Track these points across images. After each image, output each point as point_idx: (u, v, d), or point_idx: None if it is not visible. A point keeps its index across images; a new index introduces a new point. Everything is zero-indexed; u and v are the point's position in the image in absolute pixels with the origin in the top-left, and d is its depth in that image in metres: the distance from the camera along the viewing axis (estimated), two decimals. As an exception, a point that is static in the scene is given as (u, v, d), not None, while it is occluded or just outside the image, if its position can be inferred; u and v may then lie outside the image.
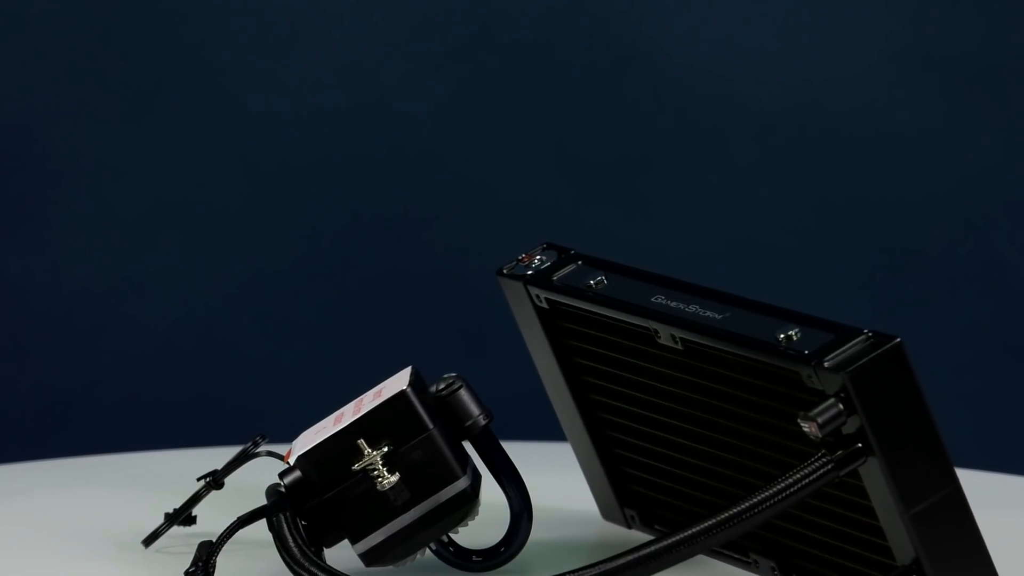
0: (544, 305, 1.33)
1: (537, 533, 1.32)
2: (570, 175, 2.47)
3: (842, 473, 1.16)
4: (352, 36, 2.48)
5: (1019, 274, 2.48)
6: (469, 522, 1.32)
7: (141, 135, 2.47)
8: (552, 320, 1.35)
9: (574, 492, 1.48)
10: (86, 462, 1.83)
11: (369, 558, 1.29)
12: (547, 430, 1.49)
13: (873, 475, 1.16)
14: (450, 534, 1.34)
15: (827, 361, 1.12)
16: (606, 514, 1.45)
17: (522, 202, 2.47)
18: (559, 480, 1.54)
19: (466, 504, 1.30)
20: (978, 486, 1.46)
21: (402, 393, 1.27)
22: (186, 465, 1.59)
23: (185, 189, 2.48)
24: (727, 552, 1.34)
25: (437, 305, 2.48)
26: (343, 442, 1.28)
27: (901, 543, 1.17)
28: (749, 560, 1.31)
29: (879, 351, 1.13)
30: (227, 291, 2.49)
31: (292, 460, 1.30)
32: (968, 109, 2.46)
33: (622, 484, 1.42)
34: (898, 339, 1.13)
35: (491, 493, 1.35)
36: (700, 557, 1.30)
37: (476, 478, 1.31)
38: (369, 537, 1.28)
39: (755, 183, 2.47)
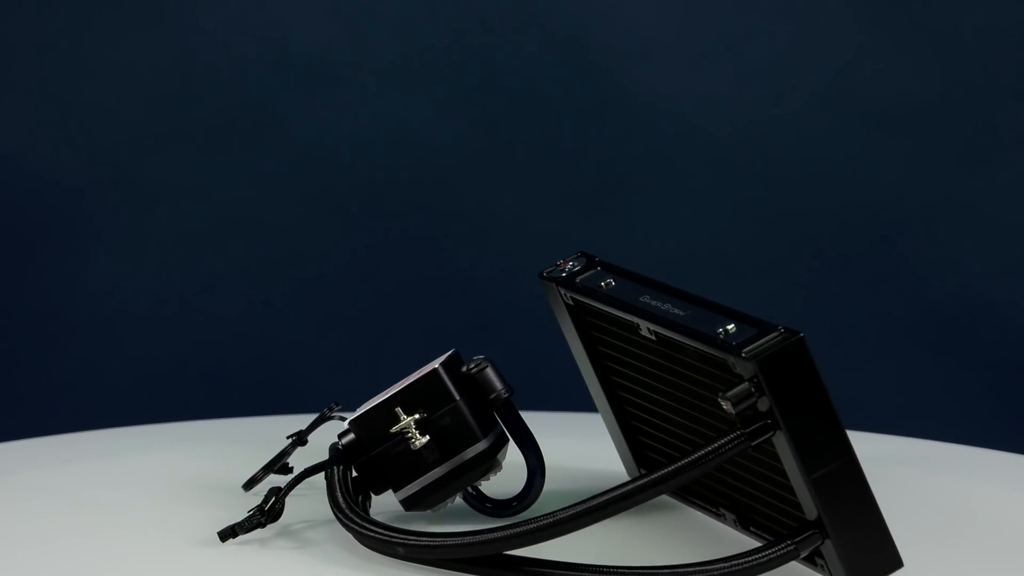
0: (570, 302, 1.34)
1: (555, 486, 1.37)
2: (561, 197, 2.45)
3: (753, 444, 1.18)
4: (384, 85, 2.46)
5: (923, 275, 2.45)
6: (492, 476, 1.35)
7: (214, 164, 2.47)
8: (577, 314, 1.35)
9: (590, 454, 1.52)
10: (181, 427, 1.82)
11: (408, 504, 1.33)
12: (543, 403, 1.51)
13: (781, 446, 1.17)
14: (478, 485, 1.37)
15: (744, 352, 1.14)
16: (630, 474, 1.47)
17: (520, 219, 2.46)
18: (578, 444, 1.58)
19: (486, 462, 1.32)
20: (888, 447, 1.69)
21: (434, 371, 1.31)
22: (257, 429, 1.77)
23: (249, 207, 2.48)
24: (704, 505, 1.35)
25: (452, 302, 2.48)
26: (385, 410, 1.31)
27: (807, 503, 1.18)
28: (720, 513, 1.33)
29: (785, 344, 1.15)
30: (283, 291, 2.49)
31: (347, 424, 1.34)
32: (882, 142, 2.44)
33: (638, 449, 1.43)
34: (801, 334, 1.15)
35: (517, 454, 1.39)
36: (687, 510, 1.40)
37: (498, 441, 1.34)
38: (408, 487, 1.32)
39: (710, 203, 2.46)
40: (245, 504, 1.35)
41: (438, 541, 1.23)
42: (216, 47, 2.47)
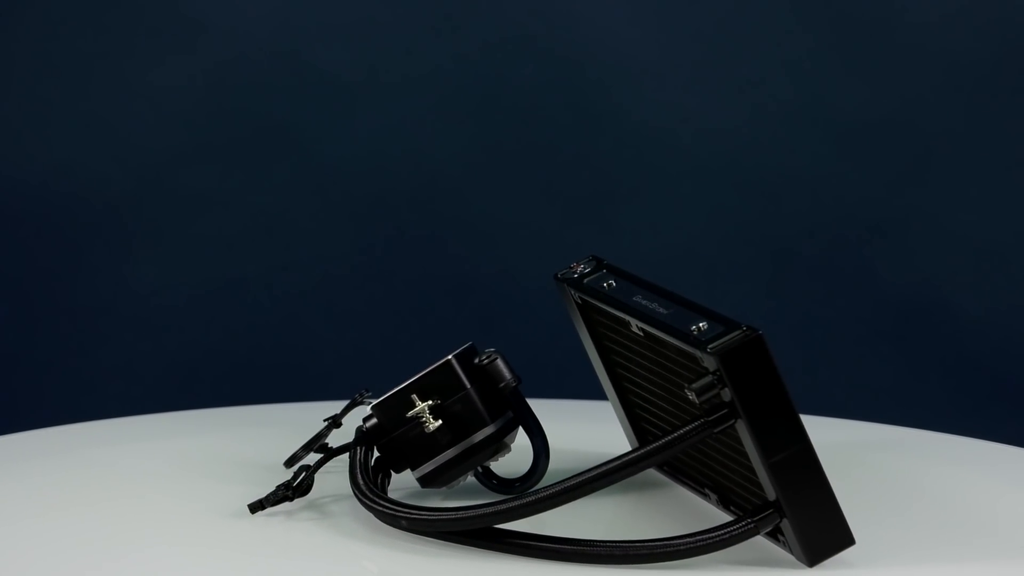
0: (579, 301, 1.35)
1: (559, 466, 1.36)
2: (557, 204, 2.44)
3: (716, 431, 1.18)
4: (398, 102, 2.43)
5: (881, 274, 2.42)
6: (500, 458, 1.36)
7: (242, 175, 2.44)
8: (585, 311, 1.36)
9: (590, 437, 1.52)
10: (216, 412, 1.82)
11: (424, 482, 1.33)
12: (541, 390, 1.47)
13: (742, 433, 1.17)
14: (488, 465, 1.37)
15: (709, 347, 1.14)
16: None
17: (520, 223, 2.44)
18: (580, 429, 1.58)
19: (494, 444, 1.32)
20: (849, 432, 1.69)
21: (448, 361, 1.31)
22: (284, 414, 1.78)
23: (274, 214, 2.45)
24: (693, 485, 1.35)
25: (458, 299, 2.46)
26: (404, 396, 1.32)
27: (766, 485, 1.18)
28: (705, 493, 1.33)
29: (745, 340, 1.14)
30: (305, 288, 2.46)
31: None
32: (843, 154, 2.40)
33: (640, 433, 1.43)
34: (760, 332, 1.15)
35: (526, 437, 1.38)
36: (680, 489, 1.39)
37: (506, 426, 1.34)
38: (423, 466, 1.32)
39: (689, 209, 2.43)
40: (277, 481, 1.37)
41: (435, 515, 1.24)
42: (245, 71, 2.44)
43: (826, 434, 1.55)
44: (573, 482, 1.20)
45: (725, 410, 1.17)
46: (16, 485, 1.47)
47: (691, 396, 1.17)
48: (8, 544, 1.30)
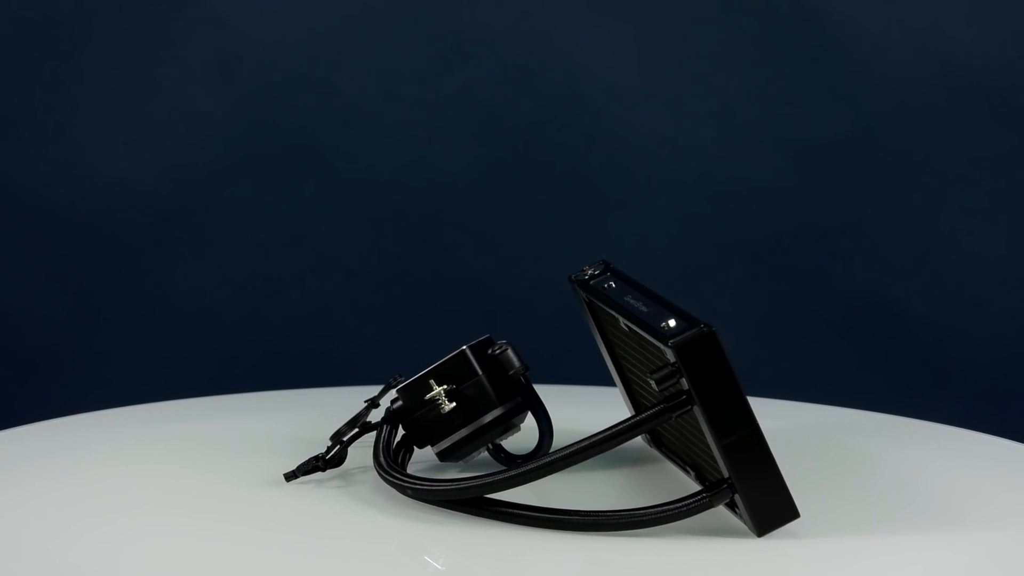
0: (586, 300, 1.33)
1: (561, 443, 1.27)
2: (552, 214, 2.44)
3: (674, 416, 1.17)
4: (413, 124, 2.42)
5: (834, 277, 2.41)
6: (509, 436, 1.34)
7: (277, 188, 2.43)
8: (592, 309, 1.35)
9: (590, 419, 1.41)
10: (256, 396, 1.81)
11: (442, 456, 1.32)
12: (542, 378, 1.46)
13: (698, 418, 1.16)
14: (499, 443, 1.36)
15: (670, 342, 1.13)
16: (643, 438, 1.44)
17: (520, 231, 2.43)
18: (580, 411, 1.53)
19: (502, 424, 1.31)
20: (808, 415, 1.69)
21: (462, 351, 1.30)
22: (315, 398, 1.76)
23: (305, 222, 2.44)
24: (679, 462, 1.34)
25: (465, 296, 2.45)
26: (423, 381, 1.30)
27: (720, 464, 1.17)
28: (687, 470, 1.31)
29: (700, 336, 1.13)
30: (331, 287, 2.46)
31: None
32: (802, 169, 2.39)
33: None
34: (714, 329, 1.13)
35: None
36: (669, 466, 1.37)
37: (515, 408, 1.32)
38: (441, 443, 1.31)
39: (666, 218, 2.42)
40: (311, 454, 1.37)
41: (435, 486, 1.24)
42: (279, 97, 2.41)
43: (785, 416, 1.65)
44: (547, 460, 1.20)
45: (683, 397, 1.17)
46: (80, 457, 1.46)
47: (652, 385, 1.17)
48: (70, 504, 1.30)
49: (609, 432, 1.19)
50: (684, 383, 1.15)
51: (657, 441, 1.41)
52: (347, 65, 2.41)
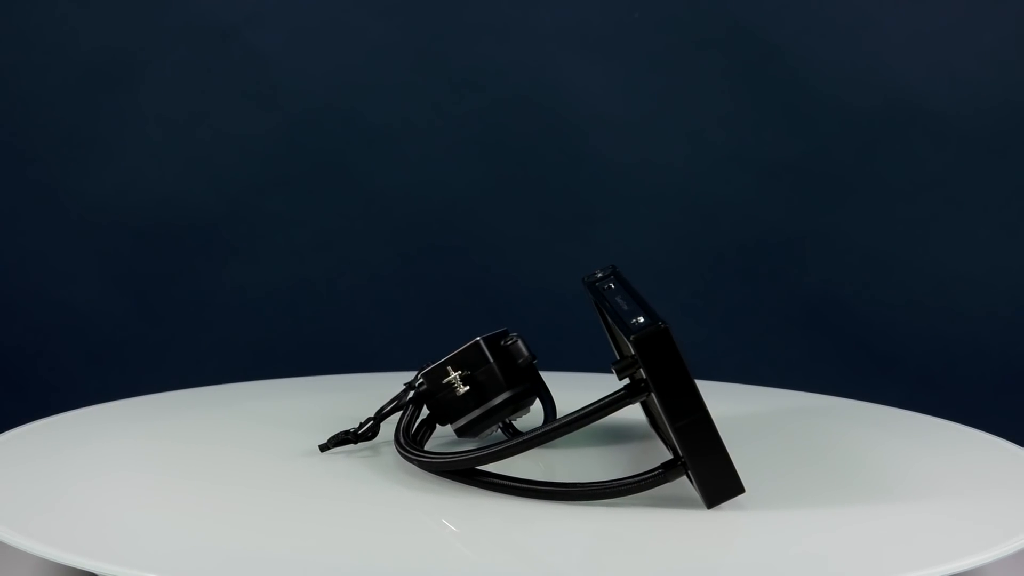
0: (593, 299, 1.33)
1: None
2: (547, 224, 2.42)
3: (633, 401, 1.18)
4: (427, 145, 2.40)
5: (792, 279, 2.39)
6: (519, 417, 1.36)
7: (309, 201, 2.41)
8: (597, 306, 1.34)
9: (587, 401, 1.33)
10: (294, 381, 1.81)
11: (460, 433, 1.33)
12: (542, 365, 1.44)
13: (655, 403, 1.18)
14: (511, 422, 1.37)
15: (631, 336, 1.13)
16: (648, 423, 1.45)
17: (521, 239, 2.42)
18: (580, 395, 1.45)
19: (511, 406, 1.31)
20: (768, 399, 1.70)
21: (476, 341, 1.32)
22: (345, 383, 1.77)
23: (334, 230, 2.43)
24: (665, 442, 1.34)
25: (473, 295, 2.43)
26: (443, 367, 1.32)
27: (675, 443, 1.18)
28: (667, 448, 1.33)
29: (655, 331, 1.12)
30: (357, 286, 2.44)
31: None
32: (764, 185, 2.37)
33: (645, 405, 1.42)
34: (667, 326, 1.13)
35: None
36: (659, 443, 1.38)
37: (523, 392, 1.32)
38: (458, 421, 1.32)
39: (646, 227, 2.40)
40: (343, 429, 1.38)
41: (436, 459, 1.24)
42: (312, 121, 2.38)
43: (752, 400, 1.65)
44: (524, 438, 1.21)
45: (642, 384, 1.18)
46: (141, 434, 1.47)
47: (615, 374, 1.18)
48: (133, 475, 1.32)
49: (574, 416, 1.20)
50: (641, 373, 1.16)
51: (654, 425, 1.42)
52: (370, 94, 2.40)
